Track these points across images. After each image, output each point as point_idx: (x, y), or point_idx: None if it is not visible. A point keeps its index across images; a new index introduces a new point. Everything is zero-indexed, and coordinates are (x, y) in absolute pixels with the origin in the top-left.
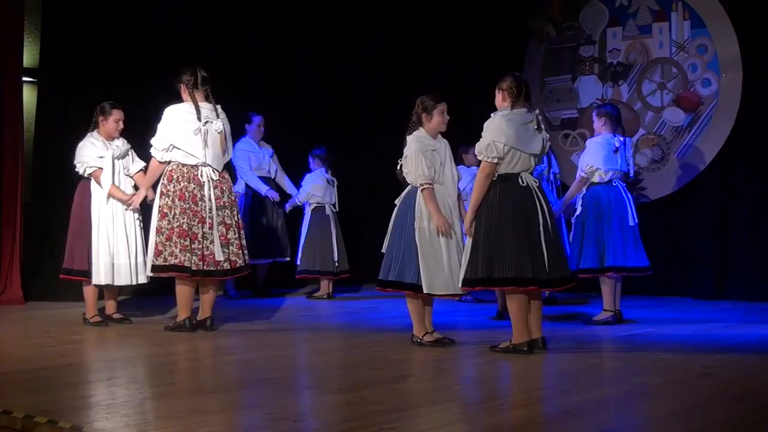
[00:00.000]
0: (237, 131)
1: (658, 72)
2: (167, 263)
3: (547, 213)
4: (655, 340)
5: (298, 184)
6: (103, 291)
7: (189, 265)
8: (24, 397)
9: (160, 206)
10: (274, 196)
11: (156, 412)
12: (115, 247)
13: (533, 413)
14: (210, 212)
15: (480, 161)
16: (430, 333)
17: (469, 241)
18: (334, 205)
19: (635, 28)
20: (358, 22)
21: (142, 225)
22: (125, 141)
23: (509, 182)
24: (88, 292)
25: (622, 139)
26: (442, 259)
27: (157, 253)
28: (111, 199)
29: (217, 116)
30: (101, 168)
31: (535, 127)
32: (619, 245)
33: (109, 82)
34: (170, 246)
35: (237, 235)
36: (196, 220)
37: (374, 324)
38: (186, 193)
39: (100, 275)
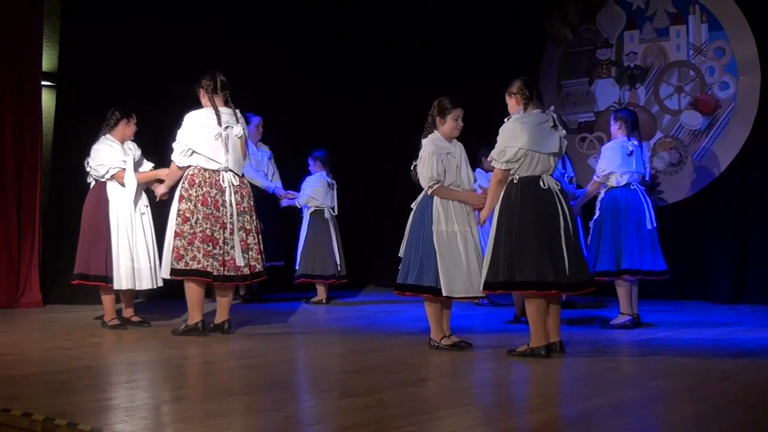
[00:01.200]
0: None
1: (675, 75)
2: (189, 267)
3: (568, 216)
4: (673, 344)
5: (297, 187)
6: (119, 294)
7: (211, 270)
8: (44, 400)
9: (181, 210)
10: (281, 192)
11: (174, 414)
12: (136, 252)
13: (551, 417)
14: (231, 218)
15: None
16: (447, 336)
17: (490, 244)
18: (333, 209)
19: (652, 31)
20: (368, 24)
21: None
22: (136, 145)
23: (530, 185)
24: (107, 298)
25: (636, 142)
26: (460, 262)
27: (178, 257)
28: (128, 203)
29: (237, 121)
30: (124, 169)
31: (552, 125)
32: (635, 248)
33: (128, 86)
34: (192, 250)
35: (256, 240)
36: (218, 225)
37: (390, 327)
38: (208, 198)
39: (121, 280)
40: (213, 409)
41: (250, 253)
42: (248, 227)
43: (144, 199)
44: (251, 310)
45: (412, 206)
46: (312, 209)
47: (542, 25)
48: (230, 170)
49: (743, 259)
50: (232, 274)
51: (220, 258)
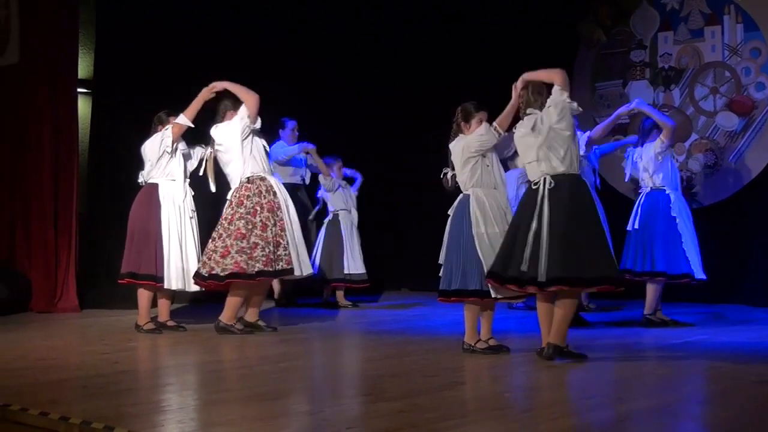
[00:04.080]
0: (271, 136)
1: (710, 76)
2: (275, 269)
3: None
4: (709, 348)
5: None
6: (156, 298)
7: (273, 269)
8: (81, 404)
9: (245, 216)
10: (309, 145)
11: (210, 418)
12: (185, 253)
13: (585, 422)
14: (287, 219)
15: None
16: (485, 340)
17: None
18: (350, 213)
19: (687, 32)
20: (398, 26)
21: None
22: (185, 144)
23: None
24: (143, 300)
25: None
26: None
27: (267, 262)
28: (178, 203)
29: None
30: (176, 123)
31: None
32: (673, 250)
33: (163, 92)
34: (257, 252)
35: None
36: (278, 228)
37: (425, 331)
38: (273, 204)
39: (171, 280)
40: (248, 413)
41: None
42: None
43: (192, 204)
44: (285, 315)
45: (449, 212)
46: (331, 215)
47: (575, 28)
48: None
49: None
50: (284, 267)
51: (284, 257)
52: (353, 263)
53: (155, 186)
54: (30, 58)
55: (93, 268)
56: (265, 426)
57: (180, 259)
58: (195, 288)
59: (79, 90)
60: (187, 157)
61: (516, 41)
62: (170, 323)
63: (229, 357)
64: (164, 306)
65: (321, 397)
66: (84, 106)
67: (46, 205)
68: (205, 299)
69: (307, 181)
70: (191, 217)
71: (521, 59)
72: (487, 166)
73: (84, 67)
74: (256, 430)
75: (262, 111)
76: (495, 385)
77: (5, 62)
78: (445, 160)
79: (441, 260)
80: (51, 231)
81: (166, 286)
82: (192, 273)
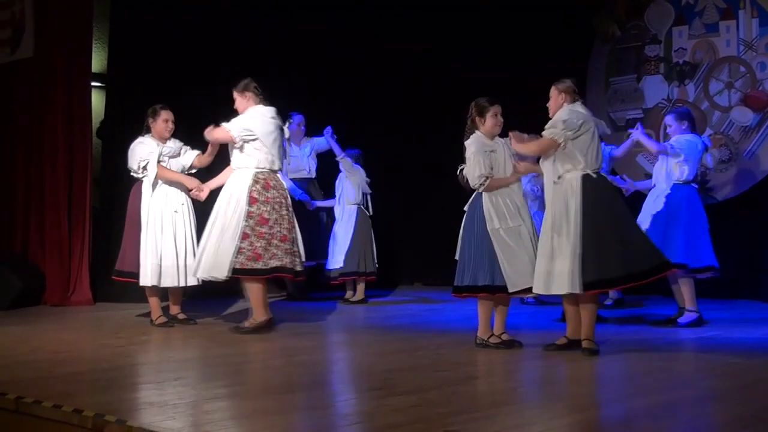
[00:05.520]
0: None
1: (725, 71)
2: (268, 266)
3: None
4: (724, 344)
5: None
6: (167, 292)
7: (292, 267)
8: (94, 397)
9: (258, 213)
10: (306, 198)
11: (223, 412)
12: (163, 249)
13: (598, 417)
14: (293, 216)
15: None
16: (498, 335)
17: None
18: (367, 208)
19: (702, 27)
20: (412, 22)
21: (194, 227)
22: (177, 141)
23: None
24: (152, 295)
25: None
26: (521, 256)
27: (257, 257)
28: (161, 198)
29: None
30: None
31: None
32: (686, 243)
33: (176, 85)
34: (272, 249)
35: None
36: (287, 223)
37: (437, 326)
38: (282, 200)
39: (146, 276)
40: (260, 407)
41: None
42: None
43: (180, 197)
44: (296, 309)
45: (465, 208)
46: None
47: (590, 22)
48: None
49: None
50: (299, 268)
51: (298, 254)
52: (369, 257)
53: (141, 182)
54: (44, 52)
55: (106, 262)
56: (277, 420)
57: (155, 255)
58: (169, 284)
59: (92, 84)
60: (173, 156)
61: (531, 35)
62: (181, 316)
63: (241, 351)
64: (176, 299)
65: (333, 391)
66: (98, 100)
67: (60, 199)
68: (215, 293)
69: (313, 174)
70: (176, 211)
71: (536, 53)
72: (501, 163)
73: (98, 61)
74: (269, 424)
75: (282, 102)
76: (508, 380)
77: (20, 56)
78: (460, 155)
79: (457, 256)
80: (65, 224)
81: (141, 283)
82: (169, 269)
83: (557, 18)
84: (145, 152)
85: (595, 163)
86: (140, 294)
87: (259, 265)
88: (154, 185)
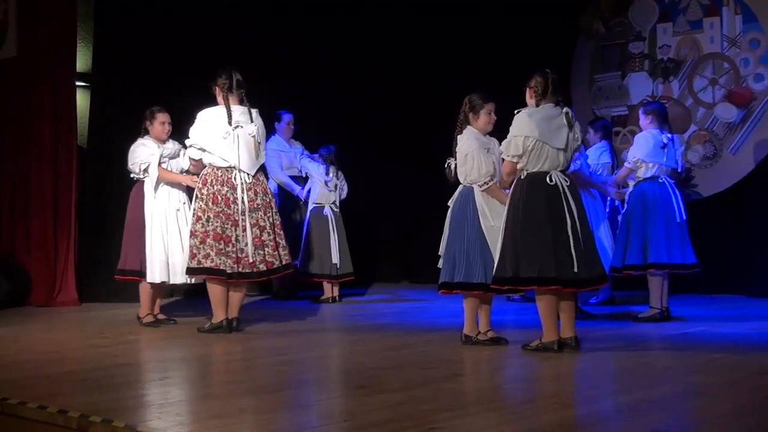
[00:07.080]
0: (267, 129)
1: (709, 67)
2: (201, 266)
3: (575, 213)
4: (709, 339)
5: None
6: (163, 291)
7: (224, 268)
8: (79, 397)
9: (194, 209)
10: (305, 196)
11: (208, 411)
12: (169, 246)
13: (585, 413)
14: (243, 215)
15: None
16: (484, 333)
17: (500, 240)
18: (334, 204)
19: (686, 24)
20: (397, 19)
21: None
22: (175, 142)
23: (537, 181)
24: (144, 293)
25: (669, 136)
26: None
27: (192, 256)
28: (163, 197)
29: (251, 120)
30: (161, 170)
31: (564, 123)
32: (663, 242)
33: (162, 85)
34: (204, 249)
35: (272, 236)
36: (229, 223)
37: (423, 324)
38: (219, 197)
39: (155, 273)
40: (246, 406)
41: (266, 249)
42: (263, 224)
43: (181, 196)
44: (284, 308)
45: (449, 204)
46: (312, 206)
47: (575, 20)
48: (242, 170)
49: None
50: (246, 271)
51: (233, 255)
52: (343, 257)
53: (142, 182)
54: (28, 51)
55: (92, 262)
56: (264, 418)
57: (163, 252)
58: (180, 281)
59: (77, 83)
60: (173, 156)
61: (515, 33)
62: (160, 316)
63: (228, 350)
64: (157, 298)
65: (319, 389)
66: (82, 99)
67: (46, 199)
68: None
69: (304, 173)
70: (178, 210)
71: (520, 51)
72: (494, 161)
73: (82, 60)
74: (255, 423)
75: (264, 103)
76: (494, 377)
77: (3, 56)
78: (446, 151)
79: (441, 252)
80: (50, 224)
81: (148, 280)
82: (176, 266)
83: (541, 16)
84: (145, 154)
85: (538, 165)
86: (126, 294)
87: (193, 264)
88: (156, 186)
